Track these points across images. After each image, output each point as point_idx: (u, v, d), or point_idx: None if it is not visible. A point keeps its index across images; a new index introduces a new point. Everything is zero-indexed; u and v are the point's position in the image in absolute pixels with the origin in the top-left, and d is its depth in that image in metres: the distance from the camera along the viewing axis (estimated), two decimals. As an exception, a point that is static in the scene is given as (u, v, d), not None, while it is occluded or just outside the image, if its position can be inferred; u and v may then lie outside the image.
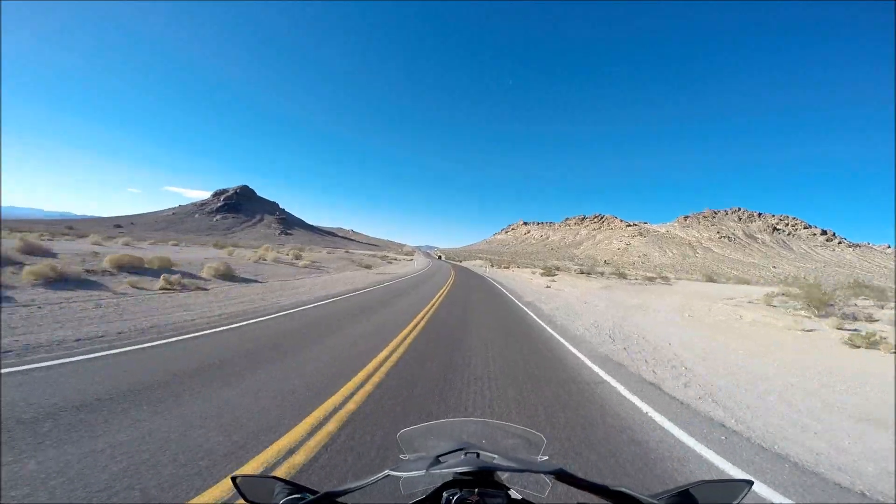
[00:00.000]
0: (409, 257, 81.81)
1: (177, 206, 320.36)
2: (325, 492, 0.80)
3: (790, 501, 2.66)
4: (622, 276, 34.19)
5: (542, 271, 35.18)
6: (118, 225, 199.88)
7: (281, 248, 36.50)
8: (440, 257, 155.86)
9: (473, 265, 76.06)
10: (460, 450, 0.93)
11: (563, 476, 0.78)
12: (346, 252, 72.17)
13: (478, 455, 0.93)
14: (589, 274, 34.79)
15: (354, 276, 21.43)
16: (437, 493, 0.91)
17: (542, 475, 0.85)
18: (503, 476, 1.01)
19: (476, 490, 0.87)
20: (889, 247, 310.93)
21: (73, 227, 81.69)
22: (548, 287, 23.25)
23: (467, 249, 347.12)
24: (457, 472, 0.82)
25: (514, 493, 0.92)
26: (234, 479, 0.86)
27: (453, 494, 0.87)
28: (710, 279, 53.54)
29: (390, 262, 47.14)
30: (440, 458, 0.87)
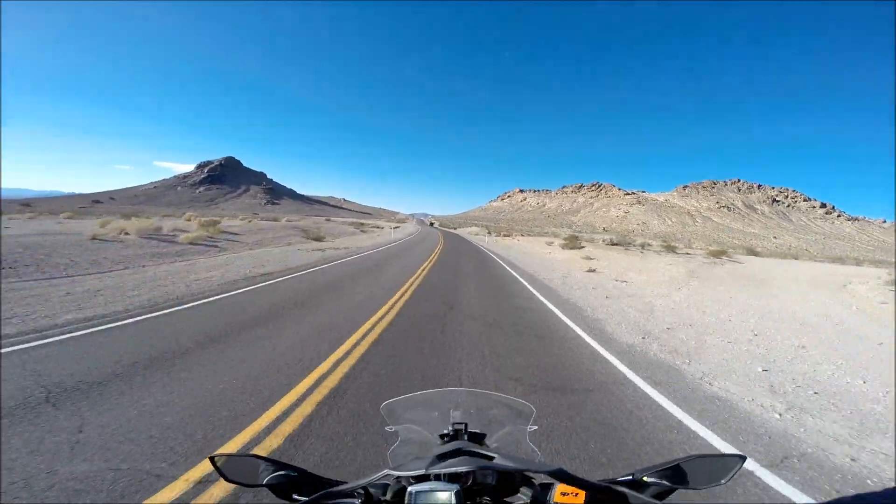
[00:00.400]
0: (395, 225, 71.96)
1: (160, 179, 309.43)
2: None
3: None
4: (670, 248, 25.16)
5: (562, 242, 25.90)
6: (97, 201, 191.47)
7: (200, 217, 27.25)
8: (432, 224, 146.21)
9: (469, 233, 66.52)
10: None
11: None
12: (327, 220, 62.65)
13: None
14: (624, 247, 25.75)
15: (250, 260, 12.08)
16: None
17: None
18: (491, 446, 1.02)
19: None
20: (885, 221, 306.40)
21: (30, 204, 70.61)
22: (592, 271, 14.18)
23: (462, 216, 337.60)
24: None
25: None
26: (212, 458, 0.82)
27: None
28: (752, 252, 45.10)
29: (363, 232, 37.61)
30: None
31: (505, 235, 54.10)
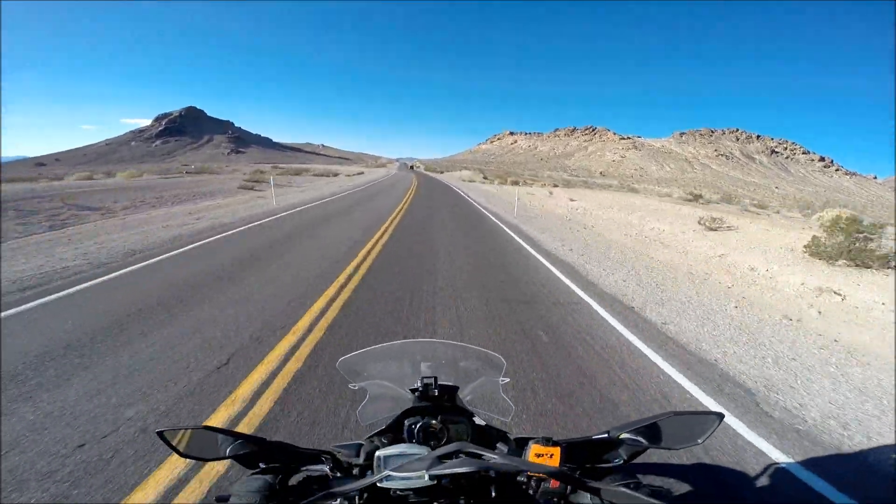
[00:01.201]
0: (358, 171, 55.50)
1: (114, 136, 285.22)
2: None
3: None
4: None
5: (702, 215, 11.39)
6: (41, 163, 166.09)
7: None
8: (412, 168, 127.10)
9: (460, 179, 50.92)
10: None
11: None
12: (274, 167, 46.55)
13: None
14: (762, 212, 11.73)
15: None
16: (399, 422, 0.90)
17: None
18: (466, 399, 1.01)
19: (439, 417, 0.87)
20: (875, 177, 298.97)
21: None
22: None
23: (450, 160, 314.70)
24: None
25: (478, 420, 0.91)
26: (160, 433, 0.75)
27: (415, 423, 0.87)
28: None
29: (256, 191, 22.18)
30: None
31: (513, 183, 38.71)
